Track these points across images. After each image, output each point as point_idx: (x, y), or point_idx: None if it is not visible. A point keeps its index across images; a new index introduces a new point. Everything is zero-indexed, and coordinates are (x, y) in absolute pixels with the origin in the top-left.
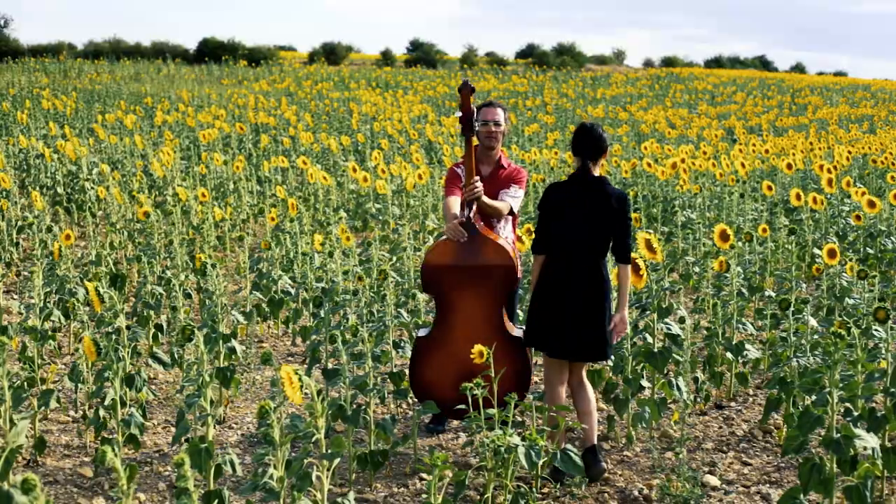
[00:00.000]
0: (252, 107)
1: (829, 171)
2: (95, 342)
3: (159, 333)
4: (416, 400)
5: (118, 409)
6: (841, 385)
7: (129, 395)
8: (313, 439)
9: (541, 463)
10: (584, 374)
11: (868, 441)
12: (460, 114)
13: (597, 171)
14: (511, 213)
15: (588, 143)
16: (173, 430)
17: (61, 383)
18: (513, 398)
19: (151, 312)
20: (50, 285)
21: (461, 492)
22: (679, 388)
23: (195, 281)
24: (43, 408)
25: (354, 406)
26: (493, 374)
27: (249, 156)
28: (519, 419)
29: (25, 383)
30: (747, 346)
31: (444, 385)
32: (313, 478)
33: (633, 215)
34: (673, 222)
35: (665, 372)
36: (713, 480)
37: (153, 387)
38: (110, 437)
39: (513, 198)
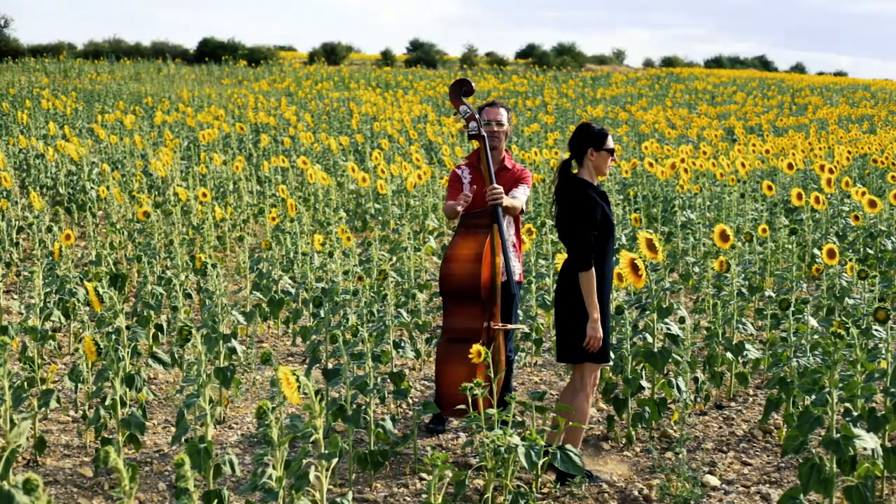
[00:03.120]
0: (252, 107)
1: (829, 171)
2: (96, 342)
3: (159, 333)
4: (416, 400)
5: (118, 409)
6: (841, 385)
7: (130, 395)
8: (311, 439)
9: (541, 463)
10: None
11: (868, 441)
12: (467, 116)
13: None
14: (522, 211)
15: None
16: (173, 430)
17: (61, 383)
18: (513, 398)
19: (151, 312)
20: (50, 285)
21: (461, 492)
22: (679, 388)
23: (195, 281)
24: (43, 408)
25: (354, 406)
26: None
27: (249, 156)
28: (519, 419)
29: (25, 383)
30: (747, 346)
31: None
32: (311, 478)
33: (632, 216)
34: (673, 222)
35: (665, 372)
36: (713, 480)
37: (153, 387)
38: (110, 437)
39: (522, 196)
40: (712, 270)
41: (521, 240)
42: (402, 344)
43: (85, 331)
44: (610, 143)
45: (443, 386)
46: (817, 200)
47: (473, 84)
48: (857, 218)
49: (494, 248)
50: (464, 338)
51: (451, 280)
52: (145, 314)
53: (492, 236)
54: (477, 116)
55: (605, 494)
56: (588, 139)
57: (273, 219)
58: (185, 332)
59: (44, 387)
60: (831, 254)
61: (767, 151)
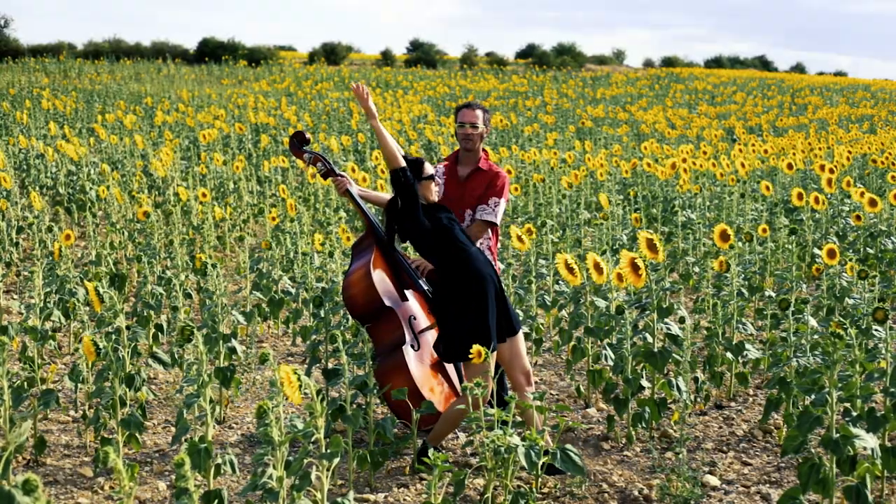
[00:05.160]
0: (252, 107)
1: (829, 171)
2: (94, 343)
3: (159, 333)
4: None
5: (118, 409)
6: (840, 385)
7: (129, 395)
8: (313, 439)
9: (541, 463)
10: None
11: (867, 441)
12: (312, 160)
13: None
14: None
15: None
16: (173, 430)
17: (61, 383)
18: (513, 398)
19: (151, 312)
20: (50, 285)
21: (460, 491)
22: (679, 388)
23: (195, 281)
24: (43, 408)
25: (354, 406)
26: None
27: (249, 156)
28: (518, 419)
29: (25, 383)
30: (747, 346)
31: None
32: (313, 478)
33: (632, 216)
34: (673, 222)
35: (665, 372)
36: (713, 480)
37: (153, 387)
38: (110, 437)
39: (492, 213)
40: (712, 270)
41: (497, 242)
42: None
43: (85, 331)
44: (427, 170)
45: (389, 399)
46: (817, 200)
47: (306, 133)
48: (858, 218)
49: (390, 257)
50: (392, 348)
51: (354, 306)
52: (145, 314)
53: (380, 248)
54: (323, 157)
55: (605, 494)
56: (413, 173)
57: (273, 219)
58: (187, 332)
59: (44, 387)
60: (831, 254)
61: (767, 151)
